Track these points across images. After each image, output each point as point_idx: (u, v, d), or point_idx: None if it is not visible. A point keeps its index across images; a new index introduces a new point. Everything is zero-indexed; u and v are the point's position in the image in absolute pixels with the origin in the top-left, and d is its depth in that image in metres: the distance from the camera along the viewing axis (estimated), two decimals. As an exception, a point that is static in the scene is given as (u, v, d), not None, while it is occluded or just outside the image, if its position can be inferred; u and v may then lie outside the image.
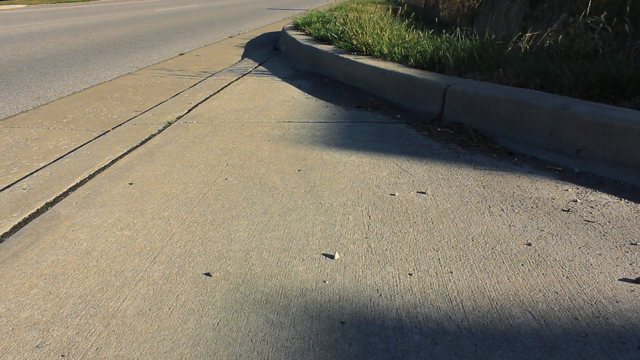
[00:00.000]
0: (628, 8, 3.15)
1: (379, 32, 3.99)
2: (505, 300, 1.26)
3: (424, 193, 1.88)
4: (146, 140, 2.55)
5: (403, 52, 3.51)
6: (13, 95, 3.70)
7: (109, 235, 1.60)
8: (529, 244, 1.51)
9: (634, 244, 1.51)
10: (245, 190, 1.93)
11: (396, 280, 1.34)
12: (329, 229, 1.62)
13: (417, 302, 1.26)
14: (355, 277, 1.36)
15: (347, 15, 4.36)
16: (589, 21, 3.16)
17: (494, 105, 2.49)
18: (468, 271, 1.38)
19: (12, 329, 1.18)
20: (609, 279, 1.34)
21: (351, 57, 3.72)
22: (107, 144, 2.49)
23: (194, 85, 3.90)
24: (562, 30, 3.27)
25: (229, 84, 3.88)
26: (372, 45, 3.78)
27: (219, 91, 3.63)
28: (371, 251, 1.49)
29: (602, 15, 3.10)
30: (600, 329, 1.15)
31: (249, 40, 6.79)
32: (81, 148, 2.44)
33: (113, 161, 2.25)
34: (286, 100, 3.31)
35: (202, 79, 4.14)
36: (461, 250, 1.49)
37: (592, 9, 3.20)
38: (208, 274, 1.38)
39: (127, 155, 2.32)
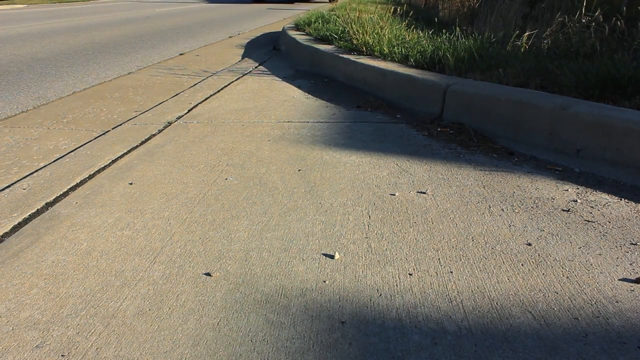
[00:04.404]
0: (624, 8, 3.15)
1: (379, 32, 3.99)
2: (505, 300, 1.26)
3: (424, 193, 1.88)
4: (146, 140, 2.55)
5: (403, 52, 3.51)
6: (13, 95, 3.70)
7: (109, 235, 1.60)
8: (529, 244, 1.51)
9: (634, 244, 1.51)
10: (245, 190, 1.93)
11: (396, 280, 1.34)
12: (329, 229, 1.62)
13: (417, 302, 1.26)
14: (355, 277, 1.37)
15: (348, 15, 4.37)
16: (584, 20, 3.16)
17: (494, 105, 2.49)
18: (468, 271, 1.38)
19: (12, 329, 1.18)
20: (609, 279, 1.34)
21: (351, 57, 3.72)
22: (107, 144, 2.49)
23: (194, 85, 3.90)
24: (561, 30, 3.27)
25: (229, 83, 3.88)
26: (372, 45, 3.78)
27: (219, 91, 3.63)
28: (371, 251, 1.49)
29: (597, 14, 3.10)
30: (600, 329, 1.15)
31: (249, 40, 6.79)
32: (81, 148, 2.44)
33: (113, 161, 2.25)
34: (286, 100, 3.31)
35: (202, 78, 4.14)
36: (461, 250, 1.49)
37: (587, 8, 3.20)
38: (208, 274, 1.38)
39: (127, 155, 2.33)
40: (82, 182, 2.03)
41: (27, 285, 1.35)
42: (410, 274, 1.37)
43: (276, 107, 3.15)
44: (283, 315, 1.21)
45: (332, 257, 1.46)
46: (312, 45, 4.47)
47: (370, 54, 3.76)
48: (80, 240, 1.58)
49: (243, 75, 4.21)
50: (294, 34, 5.32)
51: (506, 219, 1.67)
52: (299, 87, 3.72)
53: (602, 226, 1.62)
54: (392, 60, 3.52)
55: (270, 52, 5.54)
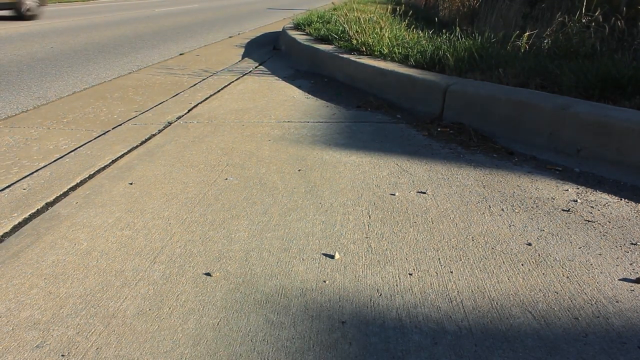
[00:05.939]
0: (624, 8, 3.15)
1: (379, 32, 4.00)
2: (506, 300, 1.26)
3: (424, 193, 1.88)
4: (146, 140, 2.55)
5: (403, 52, 3.51)
6: (13, 95, 3.70)
7: (109, 235, 1.60)
8: (529, 244, 1.51)
9: (634, 244, 1.51)
10: (246, 190, 1.93)
11: (396, 280, 1.35)
12: (329, 228, 1.62)
13: (417, 302, 1.26)
14: (355, 277, 1.37)
15: (347, 15, 4.37)
16: (584, 20, 3.16)
17: (494, 105, 2.49)
18: (468, 271, 1.38)
19: (12, 329, 1.18)
20: (609, 278, 1.34)
21: (351, 57, 3.72)
22: (107, 143, 2.49)
23: (194, 85, 3.90)
24: (561, 30, 3.27)
25: (229, 83, 3.88)
26: (372, 45, 3.78)
27: (219, 91, 3.63)
28: (371, 251, 1.49)
29: (597, 14, 3.10)
30: (600, 329, 1.15)
31: (249, 40, 6.79)
32: (81, 148, 2.44)
33: (113, 161, 2.25)
34: (286, 100, 3.31)
35: (203, 78, 4.14)
36: (461, 250, 1.49)
37: (587, 8, 3.20)
38: (208, 274, 1.38)
39: (128, 155, 2.32)
40: (82, 182, 2.03)
41: (27, 285, 1.35)
42: (411, 274, 1.37)
43: (276, 107, 3.15)
44: (283, 315, 1.21)
45: (332, 257, 1.46)
46: (312, 45, 4.47)
47: (370, 54, 3.76)
48: (80, 240, 1.58)
49: (243, 75, 4.21)
50: (294, 34, 5.32)
51: (506, 219, 1.67)
52: (299, 87, 3.72)
53: (602, 226, 1.62)
54: (392, 60, 3.52)
55: (270, 52, 5.54)
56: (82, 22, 9.67)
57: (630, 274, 1.36)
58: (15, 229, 1.66)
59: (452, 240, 1.55)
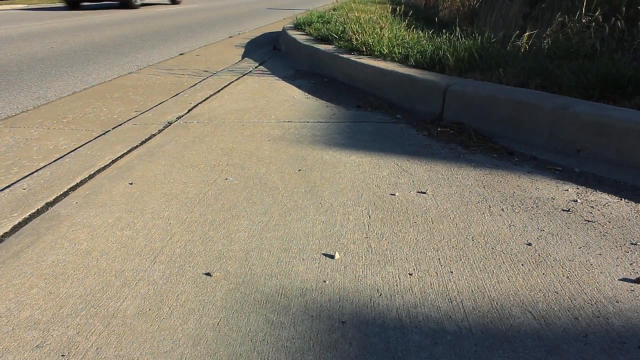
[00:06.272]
0: (624, 8, 3.15)
1: (379, 31, 4.00)
2: (506, 300, 1.26)
3: (424, 193, 1.88)
4: (146, 140, 2.55)
5: (403, 52, 3.51)
6: (13, 95, 3.70)
7: (109, 235, 1.60)
8: (529, 244, 1.51)
9: (634, 244, 1.51)
10: (246, 190, 1.93)
11: (396, 280, 1.35)
12: (329, 228, 1.62)
13: (417, 302, 1.26)
14: (355, 277, 1.37)
15: (347, 15, 4.37)
16: (584, 20, 3.17)
17: (494, 105, 2.49)
18: (468, 271, 1.38)
19: (12, 329, 1.18)
20: (609, 278, 1.34)
21: (351, 57, 3.72)
22: (108, 143, 2.49)
23: (194, 85, 3.90)
24: (561, 30, 3.27)
25: (229, 83, 3.88)
26: (372, 45, 3.78)
27: (219, 91, 3.63)
28: (371, 251, 1.49)
29: (597, 14, 3.11)
30: (600, 329, 1.15)
31: (249, 40, 6.79)
32: (81, 148, 2.44)
33: (113, 161, 2.25)
34: (286, 100, 3.31)
35: (203, 78, 4.14)
36: (461, 250, 1.49)
37: (587, 8, 3.20)
38: (208, 274, 1.38)
39: (128, 155, 2.32)
40: (82, 182, 2.03)
41: (27, 285, 1.35)
42: (411, 274, 1.37)
43: (276, 107, 3.15)
44: (283, 315, 1.21)
45: (332, 257, 1.46)
46: (312, 45, 4.47)
47: (370, 54, 3.76)
48: (80, 240, 1.58)
49: (243, 75, 4.21)
50: (294, 34, 5.32)
51: (506, 219, 1.67)
52: (299, 87, 3.72)
53: (602, 226, 1.62)
54: (392, 60, 3.52)
55: (270, 52, 5.53)
56: (82, 22, 9.67)
57: (630, 274, 1.36)
58: (15, 229, 1.66)
59: (452, 240, 1.55)
